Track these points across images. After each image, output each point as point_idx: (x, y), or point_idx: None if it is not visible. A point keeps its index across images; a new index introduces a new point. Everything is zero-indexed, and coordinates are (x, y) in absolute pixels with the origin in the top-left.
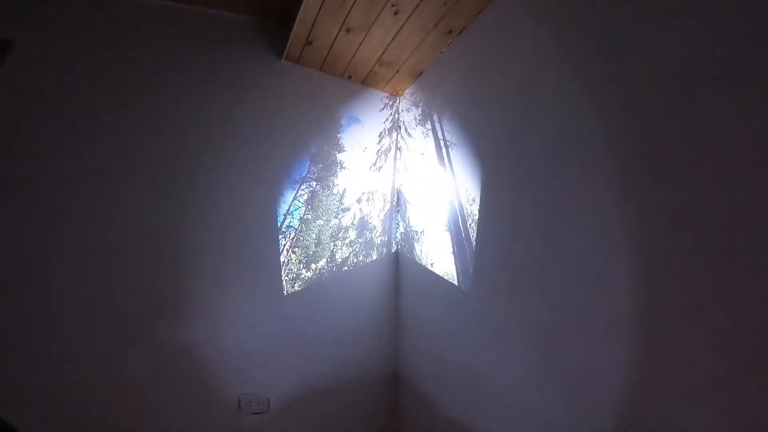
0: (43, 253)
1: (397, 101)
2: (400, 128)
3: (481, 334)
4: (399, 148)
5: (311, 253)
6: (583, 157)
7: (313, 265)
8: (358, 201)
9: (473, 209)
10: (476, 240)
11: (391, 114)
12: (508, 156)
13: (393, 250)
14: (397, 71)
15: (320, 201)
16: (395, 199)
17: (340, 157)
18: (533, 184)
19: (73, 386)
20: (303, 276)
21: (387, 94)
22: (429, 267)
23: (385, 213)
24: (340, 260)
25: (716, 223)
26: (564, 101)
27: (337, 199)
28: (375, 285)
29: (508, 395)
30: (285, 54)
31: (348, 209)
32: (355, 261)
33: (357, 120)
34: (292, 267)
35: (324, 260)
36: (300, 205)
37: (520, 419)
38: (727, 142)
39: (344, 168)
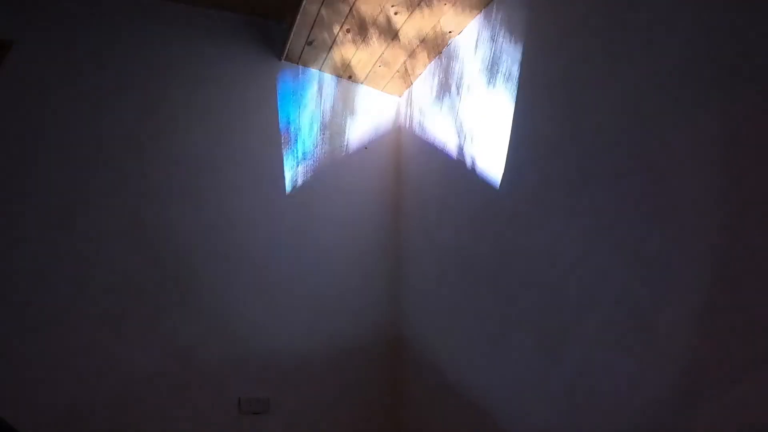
0: (44, 251)
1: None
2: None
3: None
4: None
5: None
6: (582, 157)
7: None
8: None
9: None
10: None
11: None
12: (506, 152)
13: None
14: (398, 71)
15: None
16: None
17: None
18: (534, 184)
19: (73, 386)
20: (303, 269)
21: (387, 94)
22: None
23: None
24: None
25: (716, 222)
26: (559, 100)
27: None
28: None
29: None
30: (285, 54)
31: None
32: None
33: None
34: None
35: None
36: None
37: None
38: (724, 142)
39: None
